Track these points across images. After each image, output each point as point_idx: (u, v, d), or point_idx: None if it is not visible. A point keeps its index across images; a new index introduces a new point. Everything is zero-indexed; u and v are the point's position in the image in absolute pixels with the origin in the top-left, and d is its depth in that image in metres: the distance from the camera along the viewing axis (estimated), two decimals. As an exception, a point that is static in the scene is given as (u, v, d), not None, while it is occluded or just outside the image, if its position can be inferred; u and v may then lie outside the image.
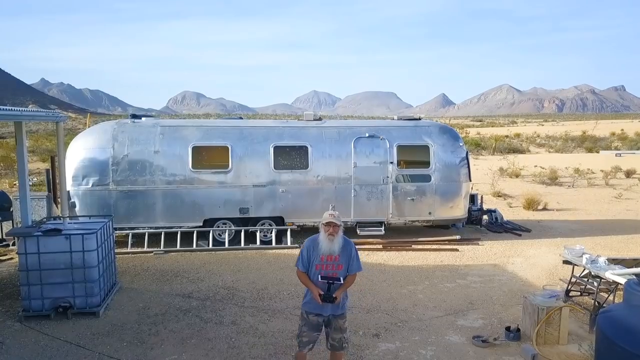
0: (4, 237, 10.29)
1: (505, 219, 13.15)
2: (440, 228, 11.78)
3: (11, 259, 9.57)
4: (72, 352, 5.82)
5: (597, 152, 42.16)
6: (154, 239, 10.21)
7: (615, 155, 35.27)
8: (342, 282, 4.72)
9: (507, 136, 56.67)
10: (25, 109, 5.96)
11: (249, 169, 10.24)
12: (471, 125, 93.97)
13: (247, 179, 10.23)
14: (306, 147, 10.37)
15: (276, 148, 10.33)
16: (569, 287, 7.07)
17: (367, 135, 10.60)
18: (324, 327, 4.87)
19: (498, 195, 18.30)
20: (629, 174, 24.51)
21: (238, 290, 7.92)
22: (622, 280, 5.71)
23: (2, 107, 5.43)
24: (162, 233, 10.05)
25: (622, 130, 67.77)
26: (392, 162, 10.52)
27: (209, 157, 10.24)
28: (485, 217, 12.65)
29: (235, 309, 7.17)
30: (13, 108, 5.77)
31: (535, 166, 27.87)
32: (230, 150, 10.16)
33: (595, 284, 6.61)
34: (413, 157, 10.73)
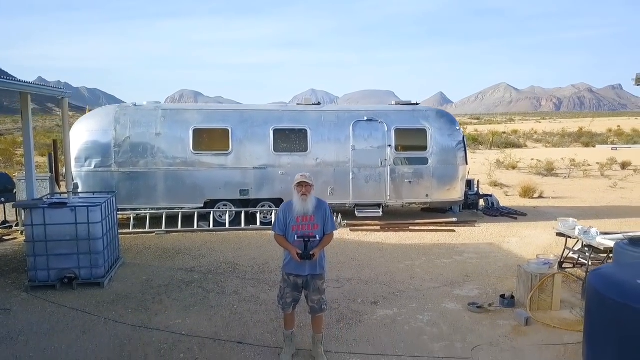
0: (6, 219, 10.44)
1: (501, 205, 13.34)
2: (437, 212, 11.97)
3: (15, 239, 9.71)
4: (79, 318, 5.97)
5: (594, 146, 42.41)
6: (155, 222, 10.37)
7: (612, 149, 35.51)
8: (318, 239, 4.84)
9: (504, 132, 56.93)
10: (31, 82, 6.09)
11: (249, 152, 10.40)
12: (469, 123, 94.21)
13: (247, 162, 10.40)
14: (305, 131, 10.54)
15: (276, 131, 10.49)
16: (562, 258, 7.25)
17: (365, 119, 10.77)
18: (303, 289, 4.99)
19: (495, 184, 18.48)
20: (624, 165, 24.74)
21: (239, 265, 8.09)
22: (611, 244, 5.89)
23: (8, 77, 5.56)
24: (164, 214, 10.21)
25: (619, 126, 68.20)
26: (390, 146, 10.69)
27: (209, 139, 10.40)
28: (481, 202, 12.85)
29: (237, 281, 7.34)
30: (19, 79, 5.89)
31: (532, 159, 28.09)
32: (230, 132, 10.32)
33: (588, 254, 6.79)
34: (411, 141, 10.91)
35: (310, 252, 4.76)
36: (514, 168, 24.40)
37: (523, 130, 64.93)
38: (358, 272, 7.77)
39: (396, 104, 11.79)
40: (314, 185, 4.93)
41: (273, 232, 5.08)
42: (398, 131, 10.77)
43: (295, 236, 4.85)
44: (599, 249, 6.49)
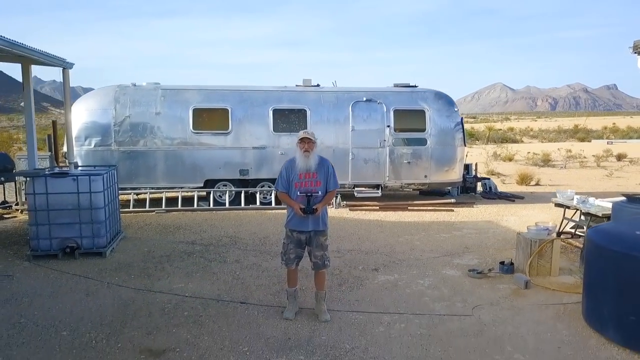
0: (6, 199, 10.44)
1: (498, 190, 13.42)
2: (435, 195, 12.03)
3: (15, 217, 9.72)
4: (81, 282, 6.00)
5: (589, 141, 42.64)
6: (154, 204, 10.39)
7: (607, 143, 35.72)
8: (320, 194, 4.89)
9: (500, 129, 57.16)
10: (34, 48, 6.11)
11: (249, 132, 10.44)
12: (465, 122, 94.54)
13: (246, 141, 10.44)
14: (305, 111, 10.58)
15: (275, 111, 10.53)
16: (561, 228, 7.32)
17: (364, 99, 10.82)
18: (306, 245, 5.02)
19: (492, 173, 18.55)
20: (620, 157, 24.89)
21: (240, 238, 8.13)
22: (610, 205, 5.96)
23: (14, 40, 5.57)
24: (164, 193, 10.23)
25: (614, 124, 68.57)
26: (389, 126, 10.75)
27: (209, 119, 10.43)
28: (479, 187, 12.93)
29: (238, 252, 7.38)
30: (23, 44, 5.90)
31: (528, 152, 28.24)
32: (230, 112, 10.35)
33: (586, 222, 6.86)
34: (409, 122, 10.97)
35: (313, 207, 4.81)
36: (510, 160, 24.52)
37: (519, 127, 65.17)
38: (358, 244, 7.83)
39: (395, 86, 11.86)
40: (316, 142, 4.97)
41: (276, 190, 5.12)
42: (397, 112, 10.83)
43: (298, 192, 4.90)
44: (598, 216, 6.56)
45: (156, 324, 4.86)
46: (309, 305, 5.26)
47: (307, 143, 4.88)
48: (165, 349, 4.36)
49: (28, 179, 6.73)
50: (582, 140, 44.29)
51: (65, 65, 7.16)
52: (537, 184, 16.05)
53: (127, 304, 5.35)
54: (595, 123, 71.27)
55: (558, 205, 7.47)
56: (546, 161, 22.81)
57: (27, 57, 6.70)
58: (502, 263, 6.49)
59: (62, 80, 7.17)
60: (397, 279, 6.21)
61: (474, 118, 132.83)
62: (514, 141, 42.58)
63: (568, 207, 7.24)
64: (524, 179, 16.19)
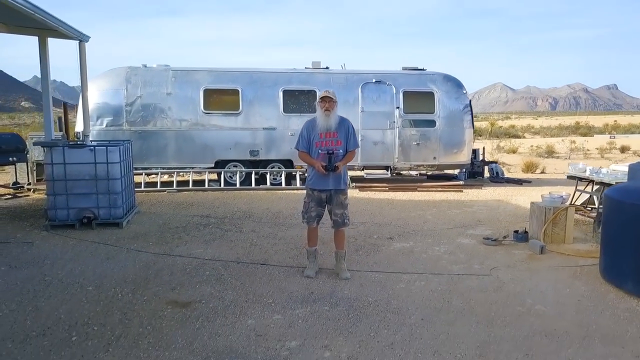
0: (18, 180, 10.49)
1: (505, 175, 13.48)
2: (443, 180, 12.08)
3: (27, 196, 9.78)
4: (101, 248, 6.06)
5: (592, 136, 42.70)
6: (165, 186, 10.44)
7: (610, 138, 35.77)
8: (341, 152, 4.94)
9: (501, 127, 57.17)
10: (54, 15, 6.13)
11: (259, 112, 10.50)
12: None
13: (257, 122, 10.49)
14: (315, 92, 10.62)
15: (285, 92, 10.59)
16: (573, 200, 7.38)
17: (374, 81, 10.88)
18: (326, 204, 5.06)
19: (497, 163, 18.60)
20: (623, 149, 24.96)
21: (254, 213, 8.19)
22: (625, 169, 6.02)
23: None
24: (175, 173, 10.30)
25: (615, 121, 68.59)
26: (398, 108, 10.81)
27: (220, 99, 10.49)
28: (486, 173, 12.98)
29: (253, 223, 7.44)
30: (44, 10, 5.92)
31: (531, 146, 28.30)
32: (240, 93, 10.41)
33: (600, 192, 6.92)
34: (418, 103, 11.02)
35: (335, 165, 4.86)
36: (514, 152, 24.57)
37: (520, 125, 65.21)
38: (371, 218, 7.89)
39: (403, 69, 11.91)
40: (337, 102, 5.02)
41: (297, 150, 5.18)
42: (406, 94, 10.89)
43: (319, 151, 4.95)
44: (611, 185, 6.61)
45: (179, 281, 4.92)
46: (328, 266, 5.33)
47: (327, 102, 4.94)
48: (190, 301, 4.42)
49: (46, 149, 6.78)
50: (585, 135, 44.34)
51: (82, 38, 7.22)
52: (542, 172, 16.11)
53: (148, 265, 5.41)
54: (596, 121, 71.27)
55: (570, 177, 7.53)
56: (550, 153, 22.88)
57: (44, 29, 6.75)
58: (516, 232, 6.56)
59: (78, 54, 7.21)
60: (413, 246, 6.28)
61: (475, 117, 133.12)
62: (517, 137, 42.64)
63: (580, 179, 7.29)
64: (529, 167, 16.27)
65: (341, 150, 4.97)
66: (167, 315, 4.10)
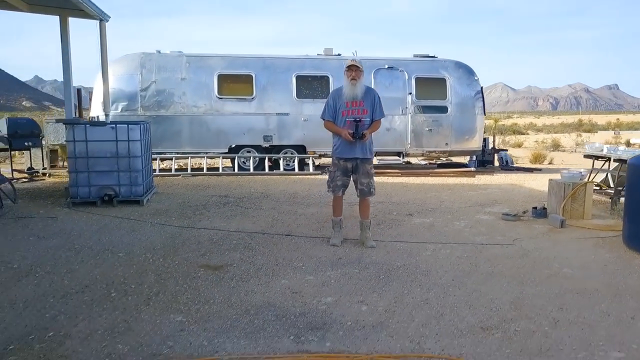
0: (32, 165, 10.55)
1: (514, 165, 13.53)
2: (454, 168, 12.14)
3: (43, 179, 9.84)
4: (124, 222, 6.12)
5: (596, 132, 42.71)
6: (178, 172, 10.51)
7: (614, 134, 35.77)
8: (368, 120, 4.98)
9: (504, 124, 57.17)
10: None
11: (272, 98, 10.56)
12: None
13: (270, 107, 10.55)
14: (327, 77, 10.69)
15: (298, 77, 10.64)
16: (590, 179, 7.42)
17: (386, 67, 10.93)
18: (352, 174, 5.10)
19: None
20: (629, 143, 24.99)
21: (270, 194, 8.25)
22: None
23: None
24: (189, 158, 10.36)
25: (618, 119, 68.59)
26: (410, 94, 10.86)
27: (234, 85, 10.55)
28: (496, 162, 13.03)
29: (272, 202, 7.50)
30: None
31: (536, 141, 28.35)
32: (254, 78, 10.46)
33: (618, 169, 6.97)
34: (430, 90, 11.07)
35: (362, 132, 4.91)
36: (519, 146, 24.63)
37: (523, 123, 65.23)
38: (387, 198, 7.95)
39: (414, 57, 11.96)
40: (363, 71, 5.07)
41: (322, 120, 5.22)
42: (418, 80, 10.94)
43: (346, 119, 4.99)
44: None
45: (207, 249, 4.98)
46: (351, 237, 5.39)
47: (354, 71, 4.98)
48: (222, 264, 4.48)
49: (68, 126, 6.84)
50: (588, 131, 44.37)
51: (103, 17, 7.27)
52: (550, 163, 16.15)
53: (174, 236, 5.47)
54: (598, 119, 71.27)
55: (587, 156, 7.58)
56: (556, 146, 22.93)
57: (66, 8, 6.81)
58: (534, 208, 6.61)
59: (99, 34, 7.26)
60: (433, 221, 6.33)
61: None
62: (521, 133, 42.68)
63: (597, 158, 7.34)
64: (537, 158, 16.28)
65: (368, 119, 5.02)
66: (201, 277, 4.16)
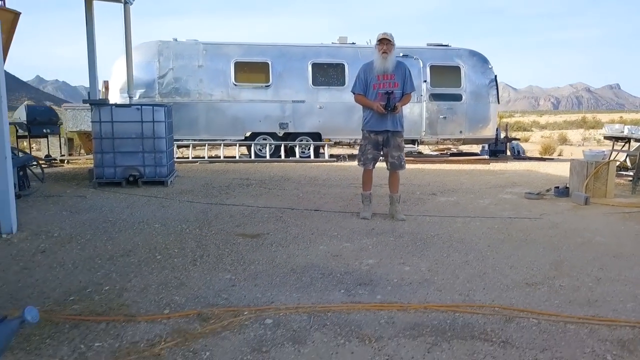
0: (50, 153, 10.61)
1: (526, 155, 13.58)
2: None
3: (62, 166, 9.91)
4: (152, 200, 6.18)
5: (601, 127, 42.73)
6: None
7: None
8: (400, 92, 5.02)
9: (507, 123, 57.22)
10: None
11: (288, 85, 10.63)
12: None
13: (286, 95, 10.62)
14: (343, 65, 10.75)
15: (314, 65, 10.71)
16: (611, 158, 7.48)
17: (401, 55, 10.96)
18: (383, 147, 5.13)
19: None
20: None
21: (291, 177, 8.32)
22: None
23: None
24: (206, 145, 10.43)
25: (621, 117, 68.61)
26: (425, 81, 10.93)
27: (250, 72, 10.62)
28: (508, 152, 13.08)
29: (294, 184, 7.57)
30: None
31: (542, 136, 28.40)
32: (270, 66, 10.53)
33: (636, 152, 7.03)
34: (445, 77, 11.14)
35: (394, 104, 4.96)
36: (526, 141, 24.66)
37: (525, 121, 65.26)
38: (408, 181, 7.99)
39: (428, 45, 12.01)
40: (395, 45, 5.12)
41: (353, 94, 5.28)
42: (433, 68, 11.01)
43: (377, 92, 5.03)
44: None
45: (240, 221, 5.05)
46: (381, 212, 5.45)
47: (385, 44, 5.02)
48: (258, 233, 4.55)
49: (94, 108, 6.91)
50: (593, 128, 44.41)
51: (127, 1, 7.35)
52: (559, 155, 16.20)
53: (205, 211, 5.53)
54: (601, 117, 71.30)
55: (607, 138, 7.63)
56: (563, 140, 22.96)
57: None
58: (557, 187, 6.67)
59: (123, 17, 7.33)
60: (457, 200, 6.40)
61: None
62: (525, 129, 42.73)
63: (617, 140, 7.40)
64: (546, 150, 16.33)
65: (399, 92, 5.07)
66: (241, 243, 4.23)
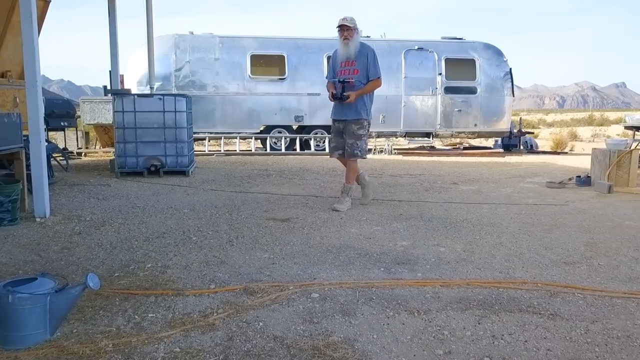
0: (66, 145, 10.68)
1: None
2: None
3: (79, 158, 9.98)
4: (176, 189, 6.22)
5: (609, 125, 42.54)
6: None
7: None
8: (355, 82, 4.82)
9: (513, 120, 57.07)
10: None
11: (304, 78, 10.65)
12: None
13: (301, 88, 10.64)
14: (358, 58, 10.74)
15: (330, 58, 10.69)
16: (634, 147, 7.47)
17: (416, 48, 10.99)
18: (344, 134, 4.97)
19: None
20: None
21: (309, 168, 8.36)
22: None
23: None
24: (222, 137, 10.48)
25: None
26: (440, 74, 10.93)
27: (266, 65, 10.65)
28: (521, 148, 13.07)
29: (313, 174, 7.60)
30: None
31: (551, 133, 28.31)
32: (286, 59, 10.56)
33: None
34: (460, 70, 11.12)
35: (345, 94, 4.80)
36: (535, 137, 24.59)
37: (532, 119, 65.06)
38: (427, 171, 8.03)
39: (442, 38, 12.00)
40: (357, 29, 4.90)
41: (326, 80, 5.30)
42: (448, 61, 11.00)
43: (337, 81, 4.93)
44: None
45: (268, 207, 5.08)
46: (405, 199, 5.46)
47: (345, 30, 4.82)
48: (288, 218, 4.58)
49: (117, 97, 6.96)
50: (601, 125, 44.23)
51: (149, -8, 7.41)
52: (571, 150, 16.15)
53: (231, 198, 5.57)
54: (608, 115, 71.00)
55: (628, 128, 7.62)
56: (573, 137, 22.87)
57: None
58: (578, 176, 6.67)
59: (145, 6, 7.38)
60: (479, 188, 6.41)
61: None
62: (533, 126, 42.61)
63: (637, 130, 7.39)
64: (558, 145, 16.29)
65: (356, 80, 4.84)
66: (273, 226, 4.26)
